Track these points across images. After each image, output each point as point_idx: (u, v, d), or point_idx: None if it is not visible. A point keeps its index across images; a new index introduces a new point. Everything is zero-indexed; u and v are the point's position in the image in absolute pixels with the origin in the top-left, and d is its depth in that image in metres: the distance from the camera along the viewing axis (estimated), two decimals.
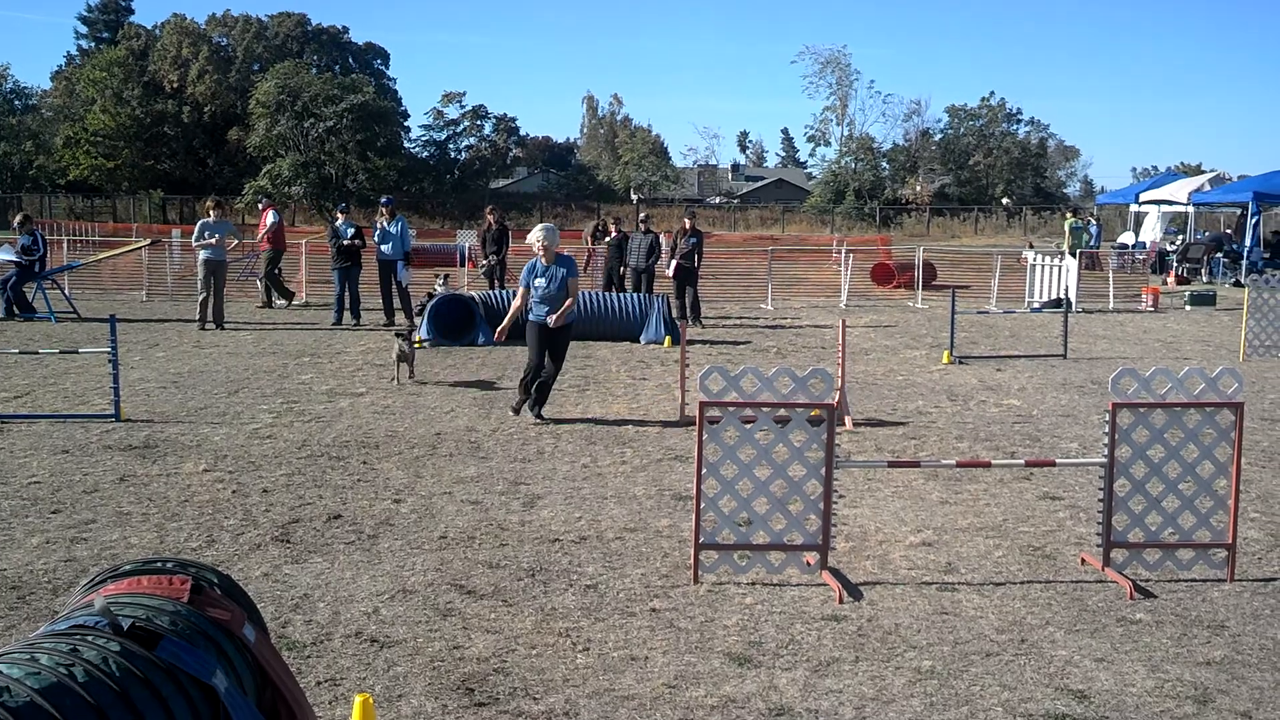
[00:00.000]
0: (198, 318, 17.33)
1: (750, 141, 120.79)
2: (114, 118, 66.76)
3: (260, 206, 22.07)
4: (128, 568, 4.19)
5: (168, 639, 3.66)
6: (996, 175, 75.85)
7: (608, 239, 20.77)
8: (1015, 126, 77.66)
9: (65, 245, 25.75)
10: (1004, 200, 71.74)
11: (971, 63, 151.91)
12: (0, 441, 9.32)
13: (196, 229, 17.76)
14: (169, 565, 4.18)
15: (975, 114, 77.27)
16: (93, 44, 78.98)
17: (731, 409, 6.30)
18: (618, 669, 4.94)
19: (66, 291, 20.43)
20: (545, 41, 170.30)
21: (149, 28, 75.63)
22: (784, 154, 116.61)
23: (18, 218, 21.03)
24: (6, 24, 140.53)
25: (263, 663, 4.01)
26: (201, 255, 17.33)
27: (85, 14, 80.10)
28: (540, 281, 10.30)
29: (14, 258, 19.47)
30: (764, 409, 6.32)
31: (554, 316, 10.22)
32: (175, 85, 69.69)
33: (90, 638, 3.58)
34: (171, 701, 3.46)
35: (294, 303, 21.30)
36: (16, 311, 18.77)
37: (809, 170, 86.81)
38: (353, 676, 4.85)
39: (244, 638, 3.98)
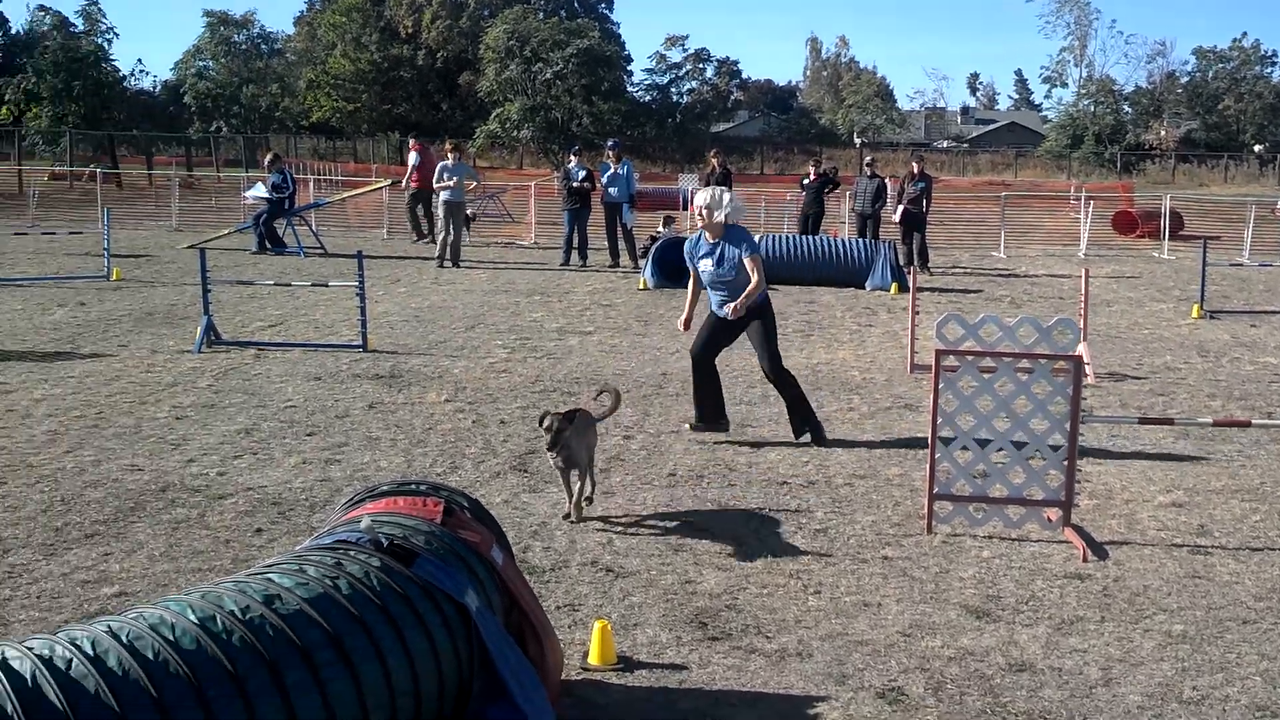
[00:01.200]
0: (437, 256, 18.01)
1: (981, 83, 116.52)
2: (353, 62, 69.61)
3: (409, 145, 22.75)
4: (384, 488, 4.41)
5: (424, 557, 3.85)
6: (1248, 121, 70.71)
7: (805, 181, 20.38)
8: (1270, 70, 72.10)
9: (311, 184, 27.15)
10: (1256, 148, 66.79)
11: (1221, 2, 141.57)
12: (258, 366, 9.95)
13: (436, 171, 18.41)
14: (422, 488, 4.38)
15: (1225, 56, 72.04)
16: None
17: (970, 358, 6.13)
18: (850, 614, 4.91)
19: (314, 227, 21.55)
20: None
21: None
22: (1017, 96, 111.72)
23: (268, 156, 22.28)
24: None
25: (509, 584, 4.17)
26: (441, 196, 18.00)
27: None
28: (707, 263, 7.85)
29: (266, 195, 20.66)
30: (1004, 359, 6.12)
31: (731, 306, 7.67)
32: (410, 30, 72.02)
33: (353, 553, 3.79)
34: (427, 617, 3.63)
35: (421, 242, 21.36)
36: (268, 246, 19.94)
37: (1044, 113, 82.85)
38: (590, 603, 4.99)
39: (492, 560, 4.14)
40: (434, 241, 20.83)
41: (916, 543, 5.84)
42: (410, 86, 72.78)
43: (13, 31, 78.65)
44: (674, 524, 6.06)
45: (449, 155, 18.56)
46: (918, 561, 5.56)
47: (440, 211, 18.21)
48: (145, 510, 6.09)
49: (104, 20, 56.51)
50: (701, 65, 75.56)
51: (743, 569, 5.42)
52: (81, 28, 54.05)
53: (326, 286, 13.31)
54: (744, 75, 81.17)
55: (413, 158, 21.68)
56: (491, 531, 4.31)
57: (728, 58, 77.88)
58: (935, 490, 6.03)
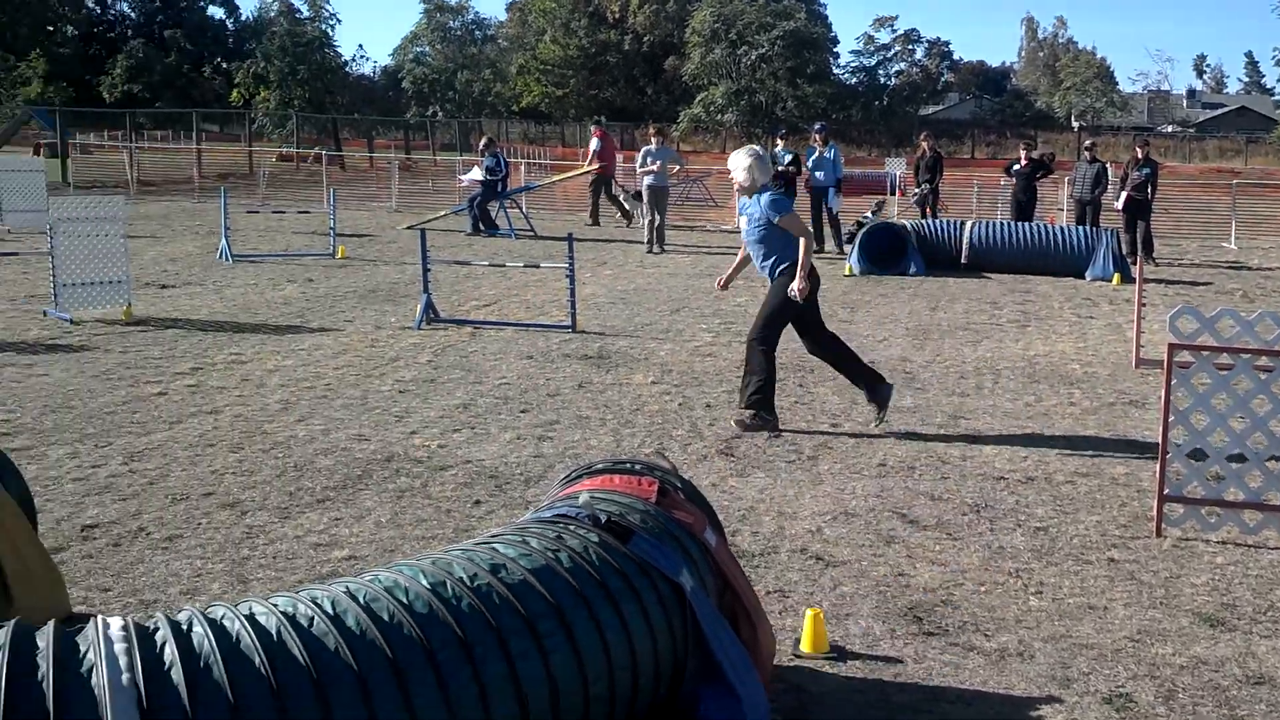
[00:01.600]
0: (645, 240, 18.19)
1: (1208, 66, 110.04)
2: (562, 48, 70.99)
3: (592, 130, 22.92)
4: (600, 466, 4.48)
5: (640, 535, 3.89)
6: None
7: (1015, 168, 19.58)
8: None
9: (522, 168, 27.83)
10: None
11: None
12: (473, 345, 10.27)
13: (640, 156, 18.58)
14: (637, 466, 4.43)
15: None
16: None
17: (1205, 354, 5.80)
18: (1074, 616, 4.73)
19: (524, 210, 22.08)
20: None
21: None
22: (1247, 79, 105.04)
23: (483, 140, 22.94)
24: None
25: (722, 566, 4.18)
26: (645, 181, 18.15)
27: None
28: (742, 221, 7.71)
29: (481, 178, 21.28)
30: (1243, 355, 5.77)
31: (795, 289, 7.30)
32: (617, 15, 72.94)
33: (572, 527, 3.87)
34: (644, 594, 3.67)
35: (629, 225, 21.64)
36: (482, 228, 20.55)
37: (1277, 98, 77.73)
38: (800, 590, 4.96)
39: (706, 541, 4.16)
40: (626, 221, 21.15)
41: (1145, 545, 5.58)
42: (616, 71, 73.76)
43: (243, 18, 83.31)
44: (885, 515, 5.96)
45: (652, 140, 18.70)
46: (1146, 565, 5.31)
47: (645, 196, 18.35)
48: (372, 478, 6.37)
49: (328, 6, 59.23)
50: (911, 46, 73.95)
51: (958, 564, 5.29)
52: (307, 14, 56.82)
53: (537, 268, 13.62)
54: (955, 57, 79.07)
55: (594, 143, 22.02)
56: (704, 513, 4.32)
57: (938, 39, 76.12)
58: (1166, 491, 5.75)
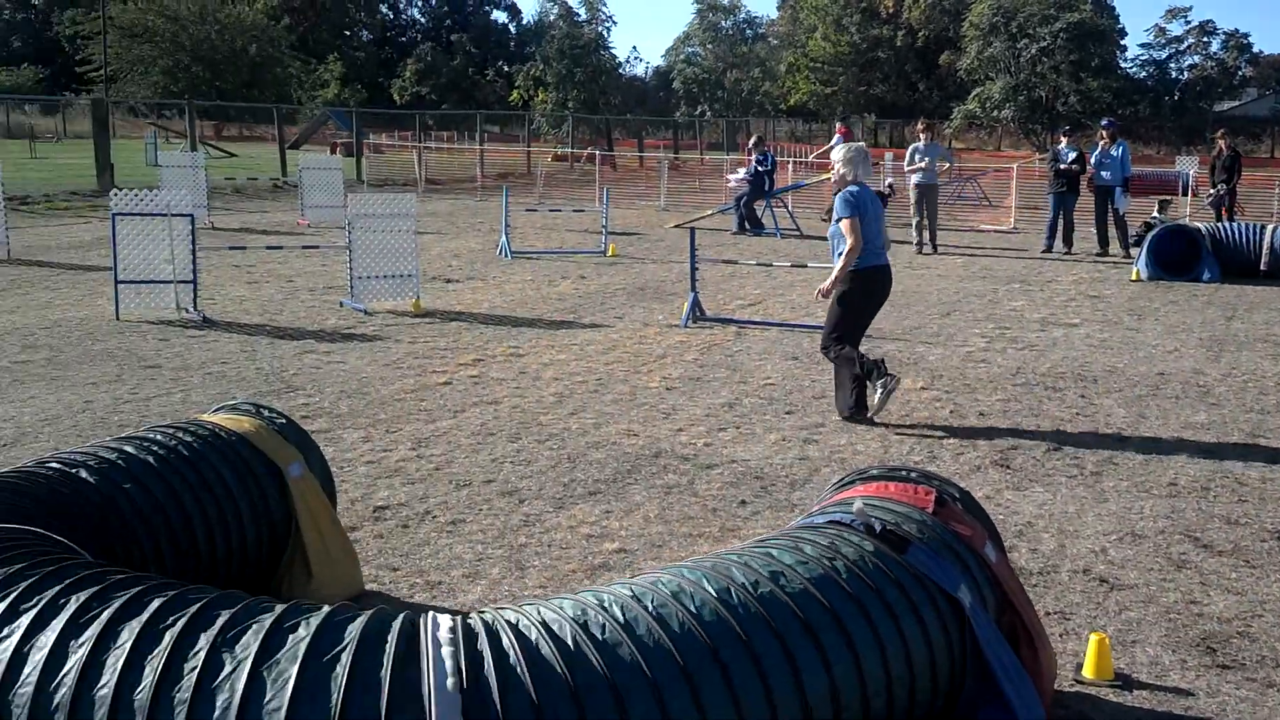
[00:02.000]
0: (914, 241, 17.81)
1: None
2: (834, 45, 70.33)
3: (837, 128, 22.30)
4: (874, 472, 4.40)
5: (916, 546, 3.79)
6: None
7: None
8: None
9: (790, 166, 27.75)
10: None
11: None
12: (738, 344, 10.32)
13: (908, 153, 18.17)
14: (913, 475, 4.32)
15: None
16: None
17: None
18: None
19: (790, 209, 22.02)
20: None
21: None
22: None
23: (752, 139, 23.02)
24: None
25: (1003, 583, 4.02)
26: (913, 179, 17.72)
27: None
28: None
29: (747, 177, 21.34)
30: None
31: (819, 289, 7.78)
32: (891, 10, 71.64)
33: (846, 534, 3.81)
34: (921, 607, 3.57)
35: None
36: (748, 227, 20.62)
37: None
38: (1082, 613, 4.73)
39: (985, 556, 4.02)
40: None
41: None
42: (888, 67, 72.51)
43: (524, 22, 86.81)
44: (1176, 538, 5.61)
45: (920, 136, 18.26)
46: None
47: (913, 195, 17.89)
48: (640, 473, 6.50)
49: (604, 9, 60.91)
50: (1206, 39, 69.19)
51: (1257, 594, 4.92)
52: (584, 17, 58.57)
53: (804, 267, 13.55)
54: (1255, 49, 73.42)
55: (836, 141, 21.68)
56: (984, 526, 4.18)
57: (1236, 30, 70.80)
58: None
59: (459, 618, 3.04)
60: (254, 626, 2.91)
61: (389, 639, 2.89)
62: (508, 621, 3.04)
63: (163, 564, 4.06)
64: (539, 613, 3.09)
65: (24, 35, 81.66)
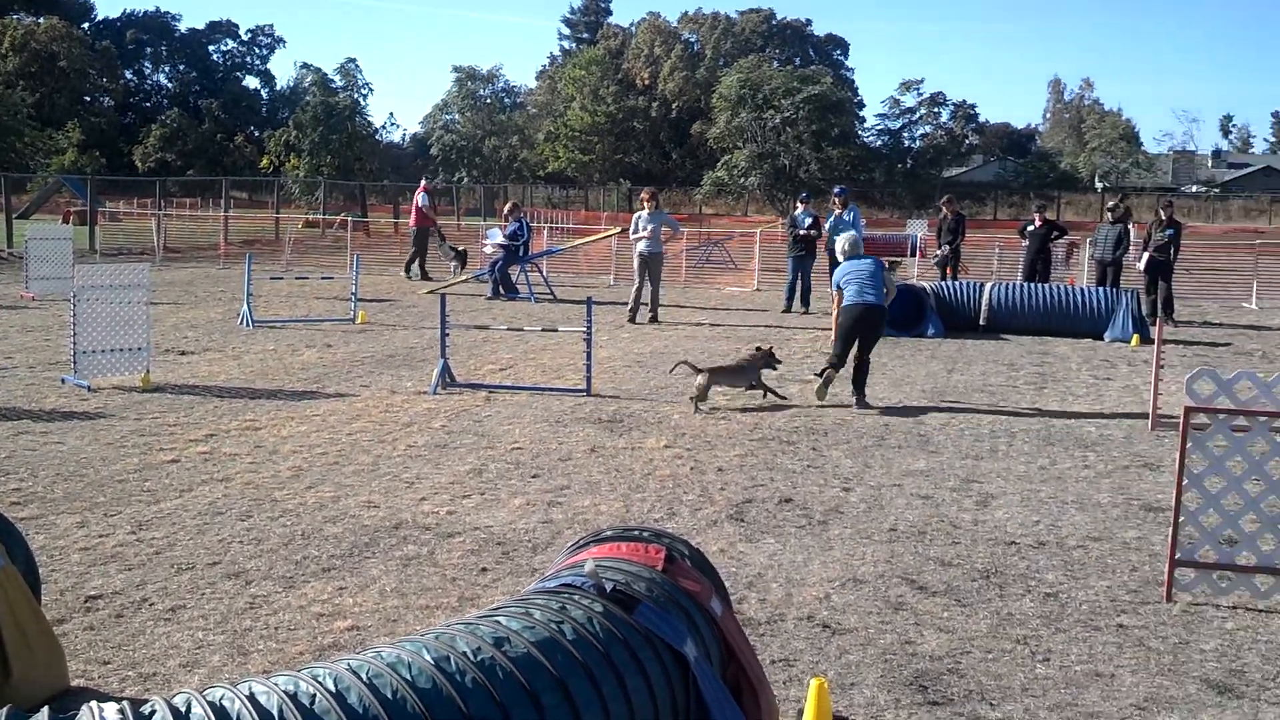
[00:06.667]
0: (629, 307, 17.24)
1: (1234, 126, 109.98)
2: (591, 115, 71.86)
3: (420, 185, 24.31)
4: (608, 533, 4.46)
5: (645, 604, 3.86)
6: None
7: (1029, 228, 19.52)
8: None
9: (545, 232, 28.04)
10: None
11: None
12: (488, 409, 10.29)
13: (632, 221, 17.81)
14: (645, 534, 4.41)
15: None
16: (574, 44, 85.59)
17: (1222, 416, 5.75)
18: (1081, 684, 4.65)
19: (545, 274, 22.21)
20: (1010, 25, 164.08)
21: (625, 27, 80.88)
22: (1274, 139, 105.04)
23: (507, 205, 23.17)
24: (501, 28, 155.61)
25: (728, 636, 4.14)
26: (637, 248, 17.09)
27: (569, 16, 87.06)
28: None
29: (503, 242, 21.44)
30: (1261, 418, 5.72)
31: None
32: (647, 82, 73.93)
33: (577, 597, 3.84)
34: (647, 664, 3.64)
35: (421, 279, 22.95)
36: (502, 292, 20.67)
37: None
38: (805, 659, 4.90)
39: (712, 610, 4.13)
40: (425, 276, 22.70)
41: (1154, 611, 5.49)
42: (643, 137, 74.61)
43: (278, 87, 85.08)
44: (894, 581, 5.90)
45: (645, 205, 17.50)
46: (1155, 631, 5.23)
47: (636, 264, 17.30)
48: (379, 546, 6.36)
49: (360, 76, 60.31)
50: (936, 109, 74.44)
51: (966, 631, 5.22)
52: (339, 83, 57.86)
53: (555, 331, 13.67)
54: (981, 119, 79.48)
55: (419, 198, 23.45)
56: (711, 581, 4.29)
57: (964, 101, 76.49)
58: (1178, 556, 5.67)
59: (126, 703, 2.89)
60: None
61: None
62: (209, 700, 2.93)
63: None
64: (249, 688, 3.01)
65: None
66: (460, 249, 24.36)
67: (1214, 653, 4.99)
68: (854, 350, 10.72)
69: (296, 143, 54.11)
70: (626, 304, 17.46)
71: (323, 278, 20.68)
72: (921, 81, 74.34)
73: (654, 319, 17.13)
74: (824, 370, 10.90)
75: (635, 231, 17.32)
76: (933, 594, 5.71)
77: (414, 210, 23.98)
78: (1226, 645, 5.07)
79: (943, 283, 17.94)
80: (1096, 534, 6.73)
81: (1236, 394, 6.03)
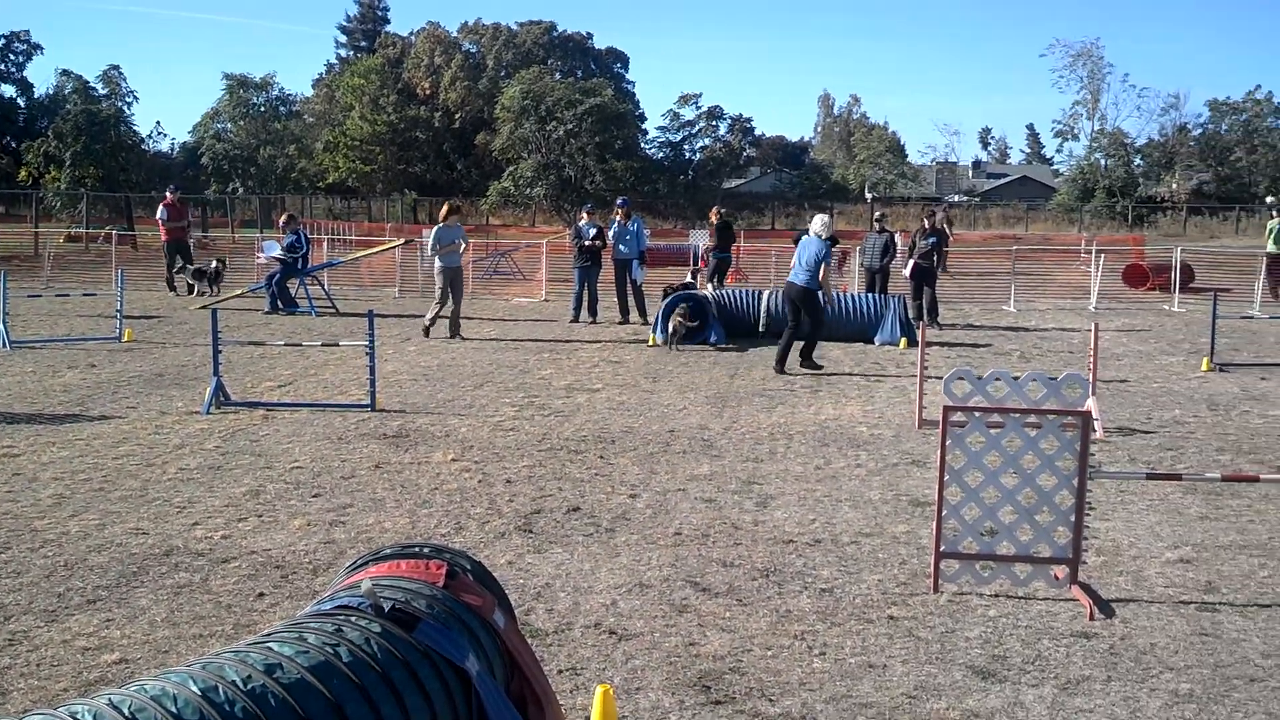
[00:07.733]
0: (428, 319, 16.79)
1: (993, 138, 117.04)
2: (371, 124, 70.41)
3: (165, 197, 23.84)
4: (388, 551, 4.39)
5: (425, 622, 3.82)
6: (1260, 173, 70.68)
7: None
8: None
9: (325, 244, 27.35)
10: (1268, 199, 66.62)
11: (1235, 56, 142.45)
12: (266, 428, 9.97)
13: (429, 237, 17.38)
14: (426, 550, 4.36)
15: (1239, 108, 71.97)
16: (352, 53, 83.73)
17: (978, 414, 6.11)
18: (855, 675, 4.86)
19: (326, 287, 21.68)
20: (782, 41, 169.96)
21: (405, 36, 79.65)
22: (1029, 151, 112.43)
23: (283, 217, 22.50)
24: (273, 35, 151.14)
25: (512, 649, 4.13)
26: (438, 264, 16.60)
27: (345, 24, 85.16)
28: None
29: (280, 254, 20.81)
30: (1013, 415, 6.10)
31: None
32: (428, 92, 72.97)
33: (354, 619, 3.76)
34: (427, 683, 3.60)
35: (183, 294, 22.48)
36: (280, 306, 20.04)
37: (1055, 167, 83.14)
38: (592, 667, 4.95)
39: (494, 624, 4.11)
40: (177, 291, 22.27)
41: (923, 602, 5.79)
42: (426, 147, 73.58)
43: (36, 95, 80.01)
44: (679, 584, 6.02)
45: (442, 219, 16.99)
46: (924, 621, 5.51)
47: (439, 280, 16.73)
48: (148, 575, 6.08)
49: (124, 84, 57.43)
50: (714, 123, 76.28)
51: (747, 630, 5.38)
52: (102, 91, 54.92)
53: (337, 346, 13.36)
54: (757, 132, 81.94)
55: (159, 212, 23.21)
56: (494, 594, 4.28)
57: (740, 115, 78.70)
58: (942, 548, 5.99)
59: None
60: None
61: None
62: None
63: None
64: None
65: None
66: (213, 265, 22.84)
67: (978, 639, 5.29)
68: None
69: (57, 153, 51.03)
70: (416, 317, 17.11)
71: (85, 294, 19.61)
72: (700, 95, 76.14)
73: (456, 334, 16.63)
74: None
75: (432, 248, 16.70)
76: (715, 595, 5.86)
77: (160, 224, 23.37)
78: (989, 632, 5.39)
79: (722, 290, 18.43)
80: (868, 530, 7.04)
81: (991, 393, 6.43)
